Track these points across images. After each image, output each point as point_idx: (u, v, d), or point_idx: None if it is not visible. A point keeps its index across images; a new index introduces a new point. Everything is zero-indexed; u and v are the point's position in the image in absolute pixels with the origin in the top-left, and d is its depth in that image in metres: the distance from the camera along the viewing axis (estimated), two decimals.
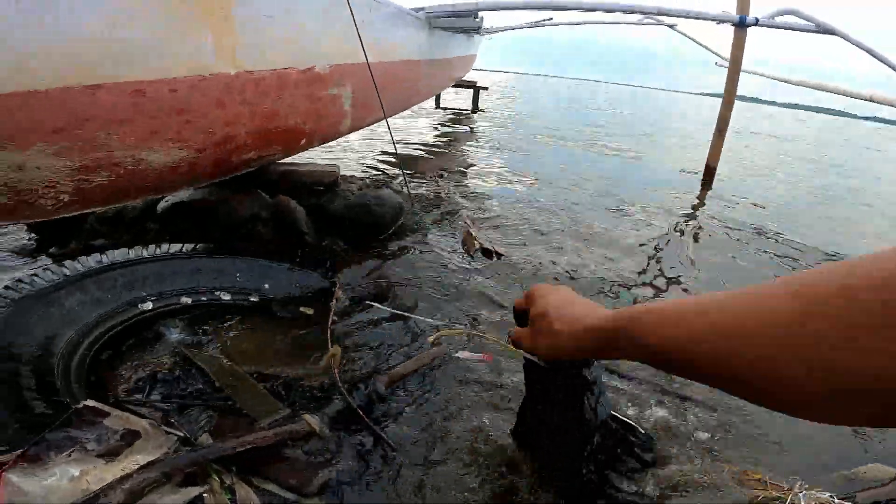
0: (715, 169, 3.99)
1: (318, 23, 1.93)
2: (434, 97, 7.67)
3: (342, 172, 2.30)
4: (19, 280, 1.29)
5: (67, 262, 1.35)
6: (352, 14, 1.79)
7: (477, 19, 4.20)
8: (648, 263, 2.40)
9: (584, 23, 6.93)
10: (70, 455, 0.94)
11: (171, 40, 1.21)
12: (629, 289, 2.04)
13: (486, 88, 8.84)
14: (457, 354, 1.04)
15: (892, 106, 3.68)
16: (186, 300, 1.49)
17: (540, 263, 2.20)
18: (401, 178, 3.15)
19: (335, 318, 1.54)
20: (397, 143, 3.60)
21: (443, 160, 4.41)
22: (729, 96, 3.79)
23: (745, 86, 3.91)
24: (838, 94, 3.95)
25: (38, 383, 1.12)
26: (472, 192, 3.34)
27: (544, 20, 6.99)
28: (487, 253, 2.13)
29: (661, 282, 2.19)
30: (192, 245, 1.60)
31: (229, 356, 1.34)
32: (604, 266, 2.27)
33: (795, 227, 3.36)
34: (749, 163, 5.94)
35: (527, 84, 18.07)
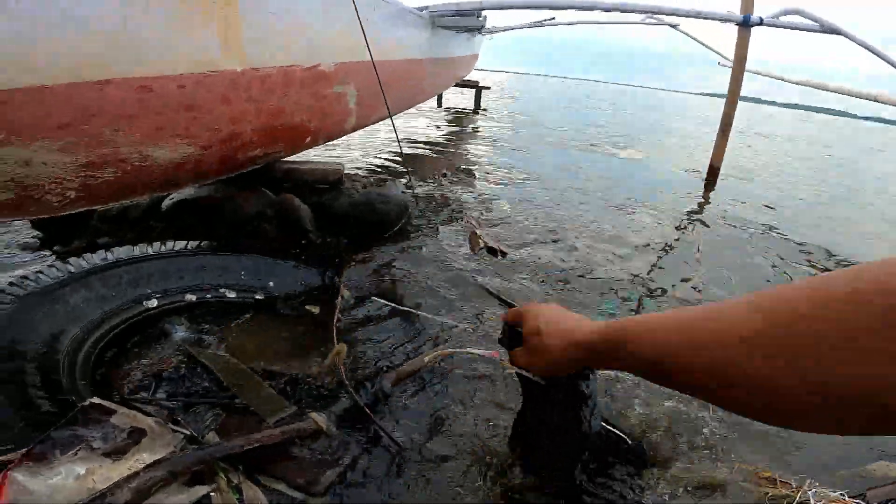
0: (719, 169, 3.98)
1: (323, 20, 1.92)
2: (436, 97, 7.66)
3: (346, 171, 2.29)
4: (24, 277, 1.28)
5: (72, 259, 1.35)
6: (356, 11, 1.78)
7: (480, 18, 4.19)
8: (657, 262, 2.40)
9: (586, 22, 6.93)
10: (76, 453, 0.93)
11: (177, 35, 1.20)
12: (651, 295, 2.02)
13: (488, 88, 8.83)
14: (464, 351, 1.04)
15: (895, 105, 3.68)
16: (191, 297, 1.48)
17: (549, 263, 2.20)
18: (405, 177, 3.15)
19: (340, 315, 1.54)
20: (401, 142, 3.58)
21: (446, 159, 4.40)
22: (732, 96, 3.78)
23: (745, 86, 3.90)
24: (843, 94, 3.95)
25: (44, 381, 1.12)
26: (476, 191, 3.33)
27: (546, 20, 6.97)
28: (492, 251, 2.11)
29: (669, 281, 2.18)
30: (196, 242, 1.59)
31: (234, 354, 1.33)
32: (614, 265, 2.27)
33: (797, 226, 3.36)
34: (752, 163, 5.93)
35: (526, 84, 18.06)
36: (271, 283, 1.62)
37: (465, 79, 7.37)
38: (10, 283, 1.26)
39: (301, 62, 1.77)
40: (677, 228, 3.03)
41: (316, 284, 1.70)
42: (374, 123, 2.90)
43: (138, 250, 1.47)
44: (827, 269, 2.59)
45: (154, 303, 1.41)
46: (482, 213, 2.83)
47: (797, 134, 11.01)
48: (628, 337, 0.55)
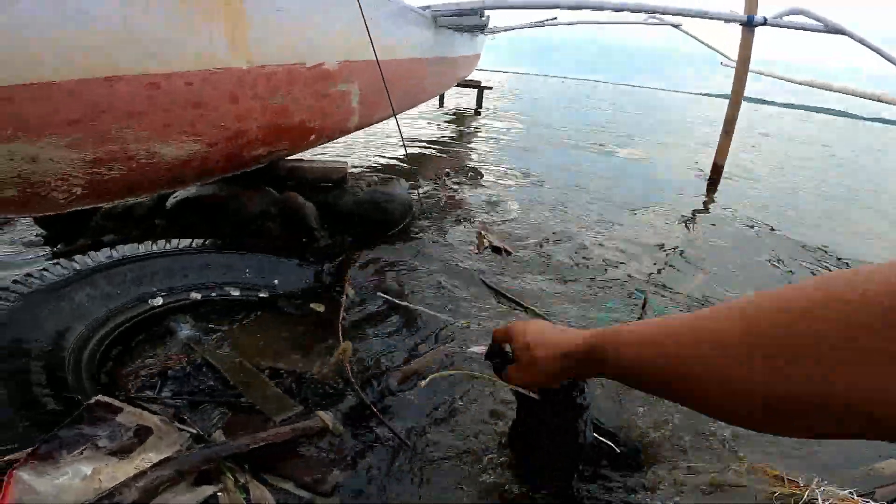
0: (722, 168, 3.98)
1: (327, 18, 1.92)
2: (438, 97, 7.66)
3: (349, 169, 2.29)
4: (29, 274, 1.27)
5: (77, 257, 1.34)
6: (360, 10, 1.78)
7: (483, 18, 4.18)
8: (664, 261, 2.39)
9: (588, 22, 6.92)
10: (82, 453, 0.92)
11: (185, 33, 1.19)
12: (656, 293, 2.02)
13: (490, 88, 8.82)
14: (470, 349, 1.03)
15: None
16: (196, 296, 1.47)
17: (557, 261, 2.19)
18: (409, 176, 3.14)
19: (345, 314, 1.53)
20: (400, 142, 3.57)
21: (449, 159, 4.39)
22: (736, 96, 3.78)
23: (747, 86, 3.89)
24: (846, 93, 3.94)
25: (49, 379, 1.11)
26: (480, 191, 3.32)
27: (548, 20, 6.97)
28: (497, 250, 2.13)
29: (675, 279, 2.17)
30: (201, 240, 1.59)
31: (240, 352, 1.33)
32: (622, 264, 2.27)
33: (800, 226, 3.36)
34: (754, 162, 5.92)
35: (526, 84, 18.04)
36: (276, 282, 1.62)
37: (467, 79, 7.36)
38: (15, 281, 1.25)
39: (305, 61, 1.76)
40: (684, 227, 3.03)
41: (320, 283, 1.70)
42: (376, 123, 2.90)
43: (143, 248, 1.46)
44: (828, 269, 2.58)
45: (159, 301, 1.41)
46: (489, 214, 2.82)
47: (798, 134, 11.00)
48: (611, 346, 0.58)
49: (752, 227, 3.19)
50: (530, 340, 0.77)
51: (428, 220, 2.52)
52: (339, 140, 3.39)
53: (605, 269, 2.19)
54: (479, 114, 8.06)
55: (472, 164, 4.27)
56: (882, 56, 3.68)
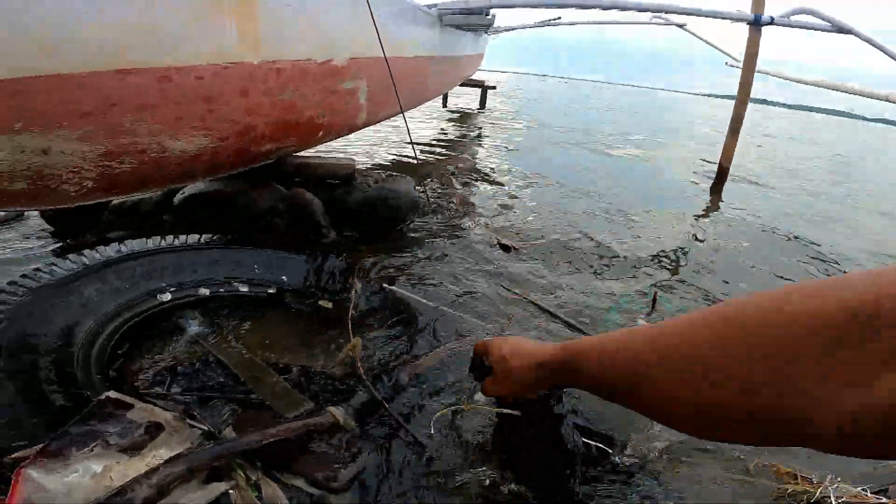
0: (728, 169, 3.96)
1: (336, 15, 1.91)
2: (441, 96, 7.65)
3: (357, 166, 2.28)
4: (37, 269, 1.26)
5: (86, 252, 1.33)
6: (369, 7, 1.77)
7: (488, 17, 4.17)
8: (672, 259, 2.38)
9: (592, 22, 6.91)
10: (92, 450, 0.90)
11: (196, 26, 1.18)
12: (664, 290, 2.01)
13: (493, 87, 8.81)
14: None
15: None
16: (205, 291, 1.46)
17: (569, 260, 2.19)
18: (415, 173, 3.13)
19: (354, 311, 1.52)
20: (407, 140, 3.56)
21: (454, 158, 4.39)
22: (743, 96, 3.76)
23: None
24: (853, 94, 3.92)
25: (58, 375, 1.10)
26: (485, 189, 3.32)
27: (552, 19, 6.96)
28: (505, 248, 2.12)
29: (682, 277, 2.16)
30: (210, 236, 1.58)
31: (249, 348, 1.32)
32: (631, 263, 2.26)
33: (803, 226, 3.35)
34: (758, 163, 5.91)
35: (527, 84, 18.04)
36: (284, 278, 1.61)
37: (471, 78, 7.35)
38: (23, 276, 1.24)
39: (315, 56, 1.75)
40: (692, 226, 3.02)
41: (329, 279, 1.69)
42: (382, 120, 2.89)
43: (152, 243, 1.45)
44: (829, 271, 2.57)
45: (168, 297, 1.40)
46: (495, 211, 2.82)
47: (801, 134, 10.97)
48: (578, 358, 0.60)
49: (758, 226, 3.18)
50: (507, 353, 0.80)
51: (435, 217, 2.51)
52: (346, 137, 3.38)
53: (619, 268, 2.18)
54: (483, 113, 8.06)
55: (476, 162, 4.27)
56: (889, 56, 3.66)
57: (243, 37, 1.32)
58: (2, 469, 0.83)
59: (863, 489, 0.99)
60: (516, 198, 3.17)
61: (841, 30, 3.62)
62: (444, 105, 8.13)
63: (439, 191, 3.07)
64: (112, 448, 0.92)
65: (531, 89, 15.84)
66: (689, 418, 0.41)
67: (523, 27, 7.42)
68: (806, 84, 4.79)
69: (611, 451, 1.03)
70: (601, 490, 0.98)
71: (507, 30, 7.22)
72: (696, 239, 2.78)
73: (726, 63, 6.07)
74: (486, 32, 5.56)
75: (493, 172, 3.88)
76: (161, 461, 0.88)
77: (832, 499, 0.98)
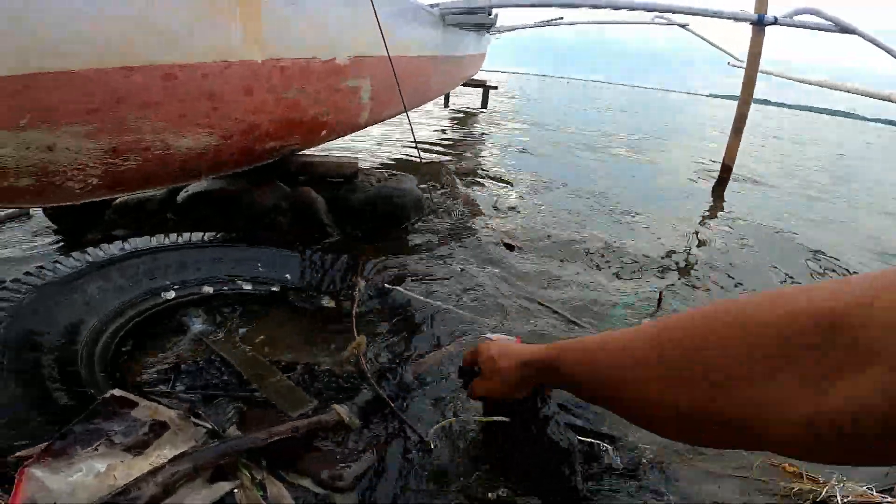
0: (731, 169, 3.95)
1: (339, 14, 1.91)
2: (443, 96, 7.64)
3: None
4: (41, 266, 1.26)
5: (90, 249, 1.32)
6: (372, 6, 1.77)
7: (491, 16, 4.17)
8: (676, 259, 2.38)
9: (594, 22, 6.90)
10: (97, 449, 0.89)
11: (201, 24, 1.18)
12: (669, 290, 2.01)
13: (495, 87, 8.81)
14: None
15: None
16: (208, 289, 1.46)
17: (577, 259, 2.18)
18: (418, 172, 3.13)
19: (357, 308, 1.52)
20: (410, 140, 3.56)
21: (457, 158, 4.38)
22: (746, 96, 3.75)
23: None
24: (856, 94, 3.91)
25: (62, 373, 1.09)
26: (487, 189, 3.31)
27: (554, 19, 6.95)
28: (509, 247, 2.12)
29: (690, 278, 2.16)
30: (213, 234, 1.57)
31: (253, 346, 1.31)
32: (636, 261, 2.25)
33: (805, 226, 3.34)
34: (761, 163, 5.91)
35: (529, 85, 18.07)
36: (288, 276, 1.60)
37: (473, 78, 7.35)
38: (27, 273, 1.24)
39: (318, 55, 1.75)
40: (696, 227, 3.01)
41: (332, 277, 1.68)
42: (385, 119, 2.89)
43: (155, 241, 1.45)
44: (827, 271, 2.56)
45: (171, 294, 1.39)
46: (498, 211, 2.81)
47: (803, 134, 10.98)
48: (560, 356, 0.62)
49: (761, 227, 3.17)
50: (495, 353, 0.83)
51: (438, 216, 2.51)
52: (346, 136, 3.38)
53: (624, 267, 2.17)
54: (485, 113, 8.05)
55: (479, 162, 4.26)
56: (893, 56, 3.65)
57: (247, 35, 1.32)
58: (5, 468, 0.82)
59: (868, 488, 0.99)
60: (520, 197, 3.17)
61: (844, 30, 3.61)
62: (447, 105, 8.13)
63: (442, 190, 3.06)
64: (116, 447, 0.92)
65: (532, 89, 15.85)
66: (671, 420, 0.42)
67: (524, 27, 7.42)
68: (809, 84, 4.78)
69: (613, 449, 1.03)
70: (605, 487, 0.97)
71: (509, 29, 7.22)
72: (699, 239, 2.77)
73: (729, 63, 6.06)
74: (487, 32, 5.55)
75: (496, 172, 3.88)
76: (165, 460, 0.88)
77: (838, 498, 0.98)
